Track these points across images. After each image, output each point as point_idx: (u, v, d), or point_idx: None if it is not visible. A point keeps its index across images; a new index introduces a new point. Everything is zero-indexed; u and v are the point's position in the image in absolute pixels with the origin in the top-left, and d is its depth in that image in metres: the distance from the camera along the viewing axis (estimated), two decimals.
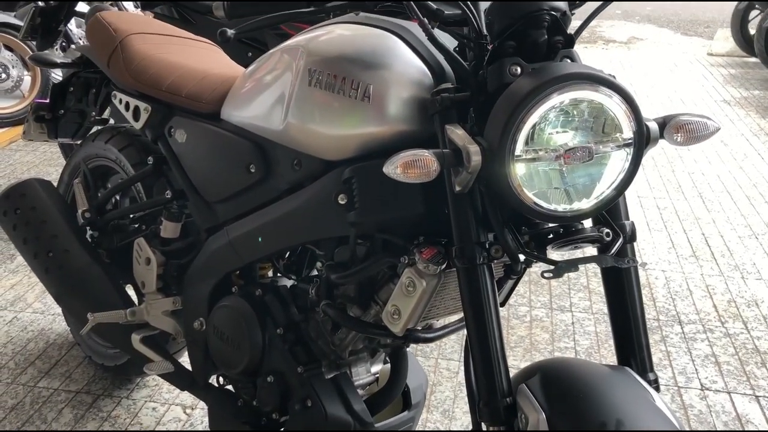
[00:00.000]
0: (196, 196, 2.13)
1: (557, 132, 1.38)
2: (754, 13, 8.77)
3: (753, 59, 8.75)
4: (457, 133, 1.41)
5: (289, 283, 2.09)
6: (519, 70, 1.42)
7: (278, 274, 2.13)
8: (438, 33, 1.54)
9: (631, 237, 1.56)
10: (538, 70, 1.38)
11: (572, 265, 1.38)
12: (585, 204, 1.41)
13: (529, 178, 1.38)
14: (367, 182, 1.59)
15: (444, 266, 1.56)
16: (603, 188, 1.41)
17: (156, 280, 2.18)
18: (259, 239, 1.91)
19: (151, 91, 2.22)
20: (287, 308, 1.96)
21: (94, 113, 2.78)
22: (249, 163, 1.93)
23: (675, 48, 9.93)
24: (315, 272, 2.01)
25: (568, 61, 1.45)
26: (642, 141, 1.38)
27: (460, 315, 1.86)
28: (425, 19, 1.50)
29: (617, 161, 1.40)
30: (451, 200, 1.49)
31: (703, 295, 3.64)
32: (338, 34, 1.74)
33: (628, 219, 1.57)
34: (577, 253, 1.53)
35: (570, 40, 1.46)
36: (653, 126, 1.43)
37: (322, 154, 1.73)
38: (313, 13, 1.55)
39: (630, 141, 1.38)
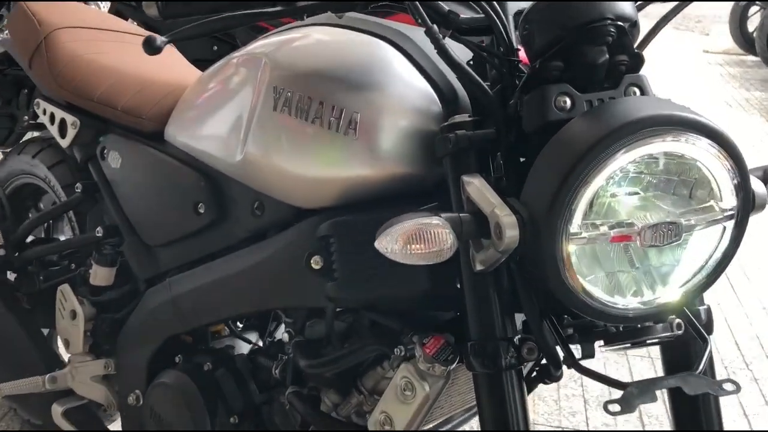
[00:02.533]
0: (133, 237, 1.70)
1: (624, 195, 0.97)
2: (753, 9, 8.42)
3: (752, 57, 8.42)
4: (481, 191, 0.99)
5: (246, 349, 1.67)
6: (569, 102, 1.00)
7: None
8: (450, 44, 1.11)
9: (707, 326, 1.14)
10: (601, 110, 0.96)
11: (648, 391, 0.97)
12: (664, 295, 1.00)
13: (585, 260, 0.96)
14: (351, 244, 1.18)
15: (454, 365, 1.14)
16: (689, 273, 0.99)
17: (83, 338, 1.74)
18: (208, 300, 1.48)
19: (80, 101, 1.79)
20: (244, 387, 1.53)
21: (26, 117, 2.34)
22: (197, 202, 1.51)
23: (666, 44, 9.55)
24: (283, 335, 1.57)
25: (637, 92, 1.03)
26: (748, 210, 0.97)
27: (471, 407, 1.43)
28: (434, 26, 1.08)
29: (710, 236, 0.98)
30: (467, 279, 1.08)
31: None
32: (315, 41, 1.31)
33: (703, 303, 1.15)
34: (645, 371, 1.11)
35: (637, 61, 1.04)
36: (758, 186, 1.02)
37: (291, 198, 1.31)
38: (280, 15, 1.12)
39: (732, 212, 0.96)
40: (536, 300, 1.06)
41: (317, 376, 1.36)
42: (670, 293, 1.00)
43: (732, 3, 8.62)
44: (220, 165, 1.44)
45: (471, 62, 1.24)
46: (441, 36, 1.10)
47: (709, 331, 1.13)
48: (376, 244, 0.97)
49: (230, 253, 1.47)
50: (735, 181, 0.96)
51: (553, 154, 0.95)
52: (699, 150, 0.94)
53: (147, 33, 2.14)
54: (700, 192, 0.98)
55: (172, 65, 1.97)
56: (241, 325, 1.80)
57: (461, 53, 1.15)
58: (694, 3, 1.25)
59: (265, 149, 1.30)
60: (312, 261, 1.22)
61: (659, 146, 0.93)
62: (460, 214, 1.00)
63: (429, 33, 1.09)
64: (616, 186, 0.97)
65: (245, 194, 1.41)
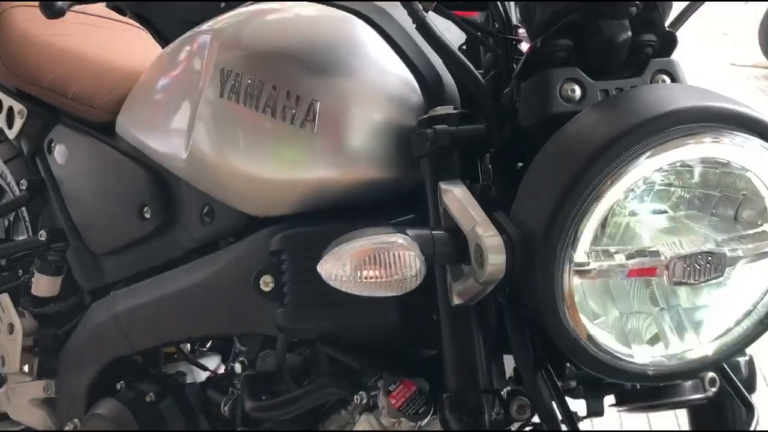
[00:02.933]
0: (78, 243, 1.49)
1: (647, 215, 0.74)
2: None
3: None
4: (461, 202, 0.77)
5: (203, 375, 1.45)
6: (578, 91, 0.78)
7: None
8: (438, 22, 0.90)
9: (748, 382, 0.90)
10: (619, 101, 0.73)
11: None
12: (696, 347, 0.76)
13: (593, 298, 0.73)
14: (306, 261, 0.95)
15: (426, 419, 0.91)
16: (731, 320, 0.76)
17: (20, 355, 1.52)
18: (152, 320, 1.26)
19: (29, 88, 1.59)
20: (192, 423, 1.31)
21: None
22: (143, 205, 1.29)
23: (690, 56, 9.21)
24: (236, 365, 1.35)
25: (667, 80, 0.80)
26: None
27: None
28: None
29: (762, 272, 0.75)
30: (444, 313, 0.86)
31: None
32: (273, 16, 1.09)
33: (743, 353, 0.91)
34: None
35: (668, 43, 0.82)
36: None
37: (242, 204, 1.09)
38: None
39: None
40: (530, 343, 0.83)
41: (272, 418, 1.14)
42: (705, 345, 0.76)
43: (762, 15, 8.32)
44: (168, 163, 1.23)
45: (464, 47, 1.02)
46: (423, 10, 0.88)
47: (751, 388, 0.89)
48: (319, 269, 0.75)
49: (177, 265, 1.25)
50: None
51: (555, 156, 0.72)
52: (749, 155, 0.71)
53: (119, 16, 1.94)
54: (749, 213, 0.74)
55: (142, 51, 1.75)
56: (205, 347, 1.59)
57: (453, 37, 0.93)
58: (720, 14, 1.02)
59: (211, 144, 1.08)
60: (261, 281, 1.01)
61: (695, 150, 0.70)
62: (433, 232, 0.77)
63: (407, 5, 0.87)
64: (637, 202, 0.74)
65: (194, 198, 1.20)
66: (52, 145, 1.55)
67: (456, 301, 0.80)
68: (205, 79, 1.09)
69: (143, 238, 1.32)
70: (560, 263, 0.69)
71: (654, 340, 0.77)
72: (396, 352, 1.03)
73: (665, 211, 0.76)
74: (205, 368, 1.45)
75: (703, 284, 0.72)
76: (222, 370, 1.51)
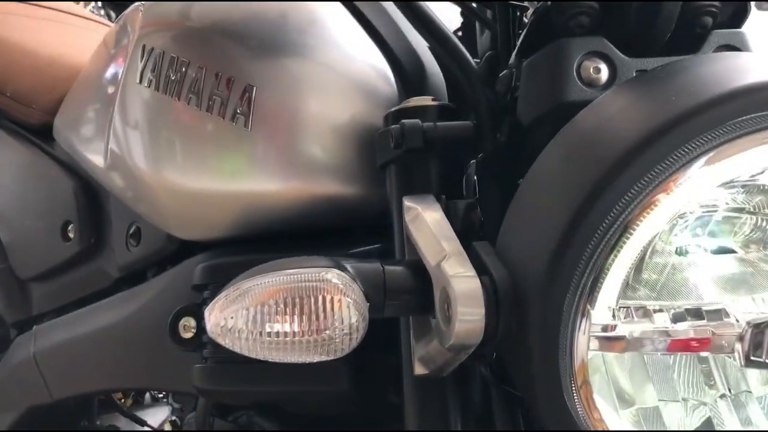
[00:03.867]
0: (4, 265, 1.25)
1: (704, 255, 0.49)
2: None
3: None
4: (428, 227, 0.52)
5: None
6: (605, 71, 0.54)
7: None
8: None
9: None
10: (658, 76, 0.49)
11: None
12: None
13: (620, 376, 0.48)
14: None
15: None
16: None
17: None
18: (73, 363, 1.03)
19: None
20: None
21: None
22: (66, 222, 1.06)
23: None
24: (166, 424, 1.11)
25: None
26: None
27: None
28: None
29: None
30: (407, 385, 0.61)
31: None
32: None
33: None
34: None
35: (738, 9, 0.57)
36: None
37: (167, 224, 0.86)
38: None
39: None
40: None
41: None
42: None
43: None
44: (93, 171, 1.00)
45: (459, 33, 0.79)
46: None
47: None
48: (206, 319, 0.50)
49: (104, 297, 1.02)
50: None
51: (563, 161, 0.48)
52: None
53: (79, 10, 1.75)
54: None
55: (92, 45, 1.54)
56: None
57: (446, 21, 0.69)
58: None
59: (127, 146, 0.85)
60: (181, 325, 0.77)
61: None
62: (386, 267, 0.53)
63: None
64: (689, 235, 0.49)
65: (121, 216, 0.97)
66: None
67: (418, 370, 0.55)
68: (126, 62, 0.86)
69: (68, 262, 1.09)
70: (569, 324, 0.44)
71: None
72: (352, 427, 0.78)
73: (733, 251, 0.50)
74: (143, 423, 1.21)
75: None
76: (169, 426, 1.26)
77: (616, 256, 0.44)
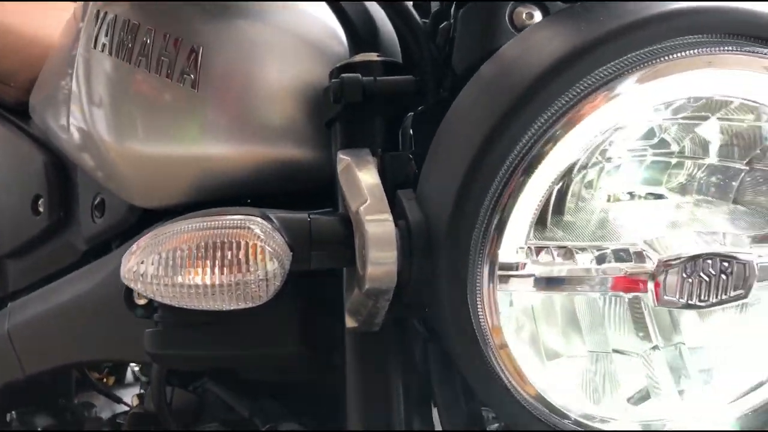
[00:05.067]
0: None
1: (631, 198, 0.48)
2: None
3: None
4: (355, 176, 0.51)
5: (118, 410, 1.21)
6: (538, 17, 0.52)
7: None
8: None
9: None
10: (588, 7, 0.47)
11: None
12: (708, 410, 0.49)
13: (546, 325, 0.47)
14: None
15: None
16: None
17: None
18: (43, 338, 1.03)
19: None
20: None
21: None
22: (37, 196, 1.06)
23: None
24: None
25: None
26: None
27: None
28: None
29: None
30: (348, 343, 0.60)
31: None
32: None
33: None
34: None
35: None
36: None
37: (126, 192, 0.85)
38: None
39: None
40: (459, 389, 0.56)
41: None
42: (723, 407, 0.49)
43: None
44: (60, 143, 0.99)
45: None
46: None
47: None
48: (122, 267, 0.49)
49: (71, 271, 1.01)
50: None
51: (478, 94, 0.46)
52: None
53: None
54: None
55: None
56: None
57: None
58: None
59: (84, 114, 0.85)
60: (135, 291, 0.75)
61: (712, 78, 0.43)
62: (312, 217, 0.52)
63: None
64: (613, 173, 0.48)
65: (87, 187, 0.97)
66: None
67: (349, 323, 0.54)
68: (82, 28, 0.85)
69: (39, 237, 1.09)
70: (474, 264, 0.43)
71: (643, 397, 0.49)
72: (307, 392, 0.77)
73: (660, 196, 0.49)
74: (118, 400, 1.20)
75: (715, 308, 0.45)
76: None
77: (519, 192, 0.42)
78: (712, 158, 0.48)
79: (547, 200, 0.46)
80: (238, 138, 0.72)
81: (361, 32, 0.72)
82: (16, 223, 1.13)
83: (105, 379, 1.37)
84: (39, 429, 1.10)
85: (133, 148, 0.78)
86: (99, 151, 0.83)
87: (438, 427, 0.63)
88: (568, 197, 0.46)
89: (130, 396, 1.31)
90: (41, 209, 1.06)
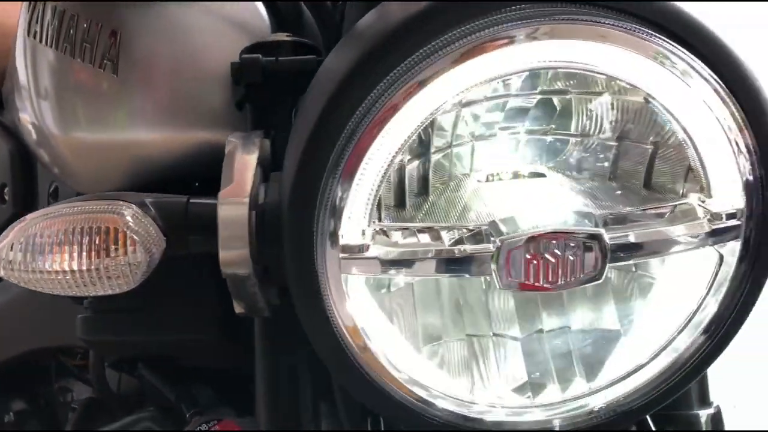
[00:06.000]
0: None
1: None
2: None
3: None
4: (231, 162, 0.50)
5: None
6: None
7: None
8: None
9: None
10: None
11: None
12: (579, 396, 0.47)
13: (410, 308, 0.45)
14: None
15: None
16: (640, 355, 0.47)
17: None
18: (4, 328, 1.05)
19: None
20: None
21: None
22: (3, 185, 1.06)
23: None
24: None
25: None
26: None
27: None
28: None
29: (684, 276, 0.46)
30: (257, 329, 0.59)
31: None
32: None
33: (707, 402, 0.62)
34: None
35: None
36: None
37: (70, 179, 0.85)
38: None
39: (735, 223, 0.43)
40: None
41: None
42: (593, 395, 0.47)
43: None
44: (19, 132, 1.00)
45: None
46: None
47: None
48: None
49: None
50: (749, 161, 0.43)
51: (322, 69, 0.45)
52: (659, 80, 0.41)
53: None
54: (663, 179, 0.45)
55: None
56: None
57: None
58: None
59: (24, 100, 0.85)
60: None
61: (575, 50, 0.40)
62: (193, 202, 0.51)
63: None
64: (484, 147, 0.46)
65: (45, 176, 0.97)
66: None
67: (237, 308, 0.53)
68: (21, 14, 0.86)
69: (3, 227, 1.10)
70: (319, 248, 0.41)
71: (523, 384, 0.48)
72: (237, 380, 0.76)
73: (542, 175, 0.47)
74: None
75: (563, 290, 0.42)
76: None
77: (355, 171, 0.40)
78: (589, 136, 0.46)
79: (401, 180, 0.44)
80: (165, 123, 0.72)
81: (283, 12, 0.71)
82: None
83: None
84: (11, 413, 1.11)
85: (73, 136, 0.78)
86: (44, 140, 0.84)
87: None
88: (431, 177, 0.45)
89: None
90: (6, 198, 1.08)
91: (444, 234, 0.41)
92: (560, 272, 0.40)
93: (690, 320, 0.45)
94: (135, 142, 0.74)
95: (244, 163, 0.50)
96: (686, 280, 0.46)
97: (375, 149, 0.40)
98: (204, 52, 0.71)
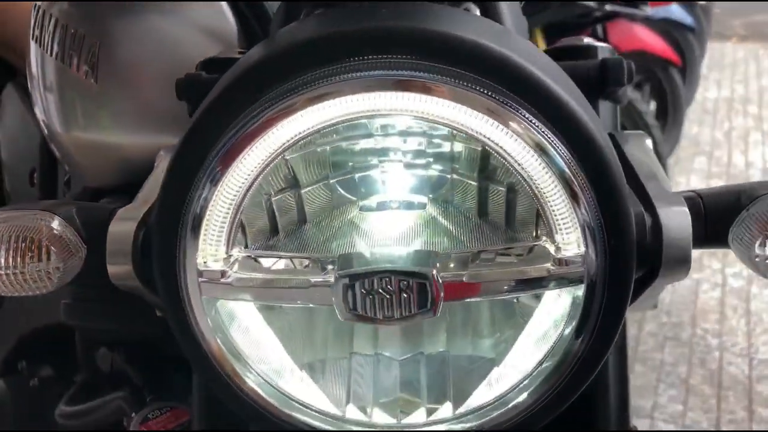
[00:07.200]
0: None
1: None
2: None
3: None
4: (157, 173, 0.55)
5: None
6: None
7: None
8: None
9: None
10: (321, 16, 0.48)
11: None
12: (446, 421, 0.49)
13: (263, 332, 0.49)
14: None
15: None
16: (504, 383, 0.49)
17: None
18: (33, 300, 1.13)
19: None
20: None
21: None
22: (33, 169, 1.15)
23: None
24: None
25: (477, 12, 0.53)
26: (627, 272, 0.44)
27: None
28: None
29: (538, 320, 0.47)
30: None
31: None
32: None
33: (627, 426, 0.62)
34: None
35: None
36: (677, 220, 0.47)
37: (80, 175, 0.93)
38: None
39: (578, 272, 0.44)
40: None
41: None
42: (457, 421, 0.49)
43: None
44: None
45: None
46: None
47: None
48: None
49: None
50: (584, 206, 0.43)
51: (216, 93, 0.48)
52: (497, 132, 0.42)
53: None
54: (523, 220, 0.46)
55: None
56: None
57: None
58: None
59: (37, 99, 0.92)
60: None
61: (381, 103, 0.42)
62: (119, 210, 0.56)
63: None
64: (366, 178, 0.48)
65: (61, 168, 1.05)
66: (2, 103, 1.46)
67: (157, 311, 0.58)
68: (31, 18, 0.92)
69: None
70: (179, 268, 0.45)
71: (394, 403, 0.50)
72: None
73: (424, 206, 0.49)
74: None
75: (400, 324, 0.44)
76: None
77: (211, 196, 0.43)
78: (459, 172, 0.47)
79: (271, 209, 0.47)
80: (143, 127, 0.77)
81: (254, 27, 0.74)
82: (19, 191, 1.23)
83: None
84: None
85: (70, 134, 0.83)
86: (52, 135, 0.90)
87: None
88: (305, 207, 0.47)
89: None
90: (35, 181, 1.16)
91: (296, 263, 0.44)
92: (394, 307, 0.42)
93: (552, 351, 0.46)
94: (119, 144, 0.80)
95: (159, 181, 0.54)
96: (554, 312, 0.47)
97: (229, 179, 0.43)
98: (178, 59, 0.75)
